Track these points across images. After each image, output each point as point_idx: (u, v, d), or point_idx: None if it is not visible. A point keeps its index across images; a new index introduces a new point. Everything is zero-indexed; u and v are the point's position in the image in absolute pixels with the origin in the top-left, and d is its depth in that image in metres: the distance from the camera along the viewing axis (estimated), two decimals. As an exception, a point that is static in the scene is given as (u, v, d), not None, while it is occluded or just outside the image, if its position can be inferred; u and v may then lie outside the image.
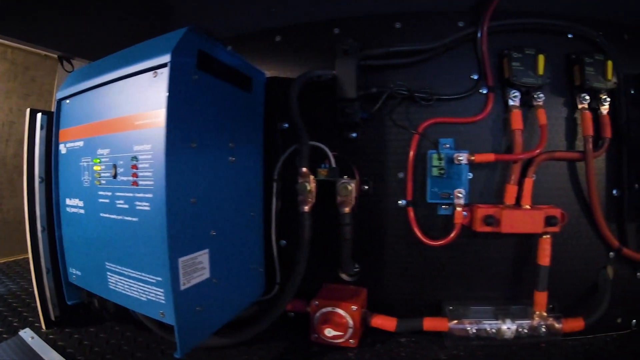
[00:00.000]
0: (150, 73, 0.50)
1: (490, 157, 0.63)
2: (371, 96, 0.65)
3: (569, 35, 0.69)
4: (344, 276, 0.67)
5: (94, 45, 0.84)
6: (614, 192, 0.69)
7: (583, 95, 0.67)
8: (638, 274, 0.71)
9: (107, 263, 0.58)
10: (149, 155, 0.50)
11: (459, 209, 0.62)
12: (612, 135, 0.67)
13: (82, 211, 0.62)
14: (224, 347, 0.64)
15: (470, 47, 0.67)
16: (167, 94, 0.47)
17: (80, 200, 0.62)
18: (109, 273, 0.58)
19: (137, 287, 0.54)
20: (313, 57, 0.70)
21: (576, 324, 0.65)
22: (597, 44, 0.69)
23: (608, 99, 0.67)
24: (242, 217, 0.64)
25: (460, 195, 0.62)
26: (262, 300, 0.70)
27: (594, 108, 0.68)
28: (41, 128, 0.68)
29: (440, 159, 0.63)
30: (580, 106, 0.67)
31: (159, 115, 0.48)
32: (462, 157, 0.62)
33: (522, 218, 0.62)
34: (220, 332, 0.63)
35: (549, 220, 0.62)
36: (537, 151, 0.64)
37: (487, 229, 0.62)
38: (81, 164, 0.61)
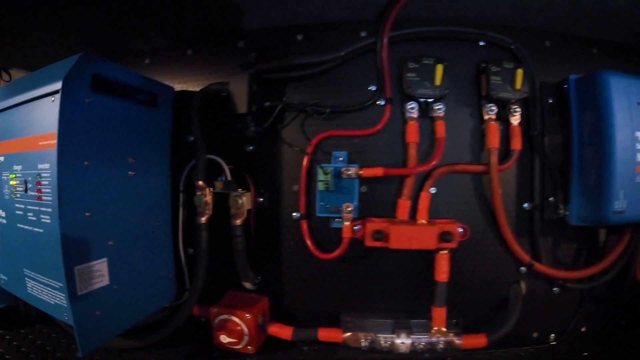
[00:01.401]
0: (50, 97, 0.65)
1: (378, 171, 0.69)
2: (266, 110, 0.73)
3: (481, 43, 0.74)
4: (246, 284, 0.77)
5: (33, 56, 0.99)
6: (525, 205, 0.75)
7: (489, 105, 0.71)
8: (554, 289, 0.77)
9: (24, 269, 0.72)
10: (48, 173, 0.63)
11: (347, 223, 0.69)
12: (523, 146, 0.72)
13: (4, 221, 0.76)
14: (132, 349, 0.76)
15: (372, 57, 0.73)
16: (58, 118, 0.61)
17: (2, 210, 0.78)
18: (26, 278, 0.71)
19: (47, 292, 0.67)
20: (220, 71, 0.79)
21: (478, 340, 0.71)
22: (512, 51, 0.74)
23: (518, 110, 0.72)
24: (146, 227, 0.74)
25: (348, 209, 0.69)
26: (174, 305, 0.81)
27: (505, 119, 0.73)
28: (-28, 142, 0.84)
29: (325, 173, 0.70)
30: (486, 117, 0.72)
31: (55, 137, 0.63)
32: (351, 171, 0.68)
33: (413, 234, 0.67)
34: (134, 335, 0.77)
35: (443, 237, 0.67)
36: (432, 164, 0.69)
37: (377, 244, 0.68)
38: (2, 177, 0.77)
